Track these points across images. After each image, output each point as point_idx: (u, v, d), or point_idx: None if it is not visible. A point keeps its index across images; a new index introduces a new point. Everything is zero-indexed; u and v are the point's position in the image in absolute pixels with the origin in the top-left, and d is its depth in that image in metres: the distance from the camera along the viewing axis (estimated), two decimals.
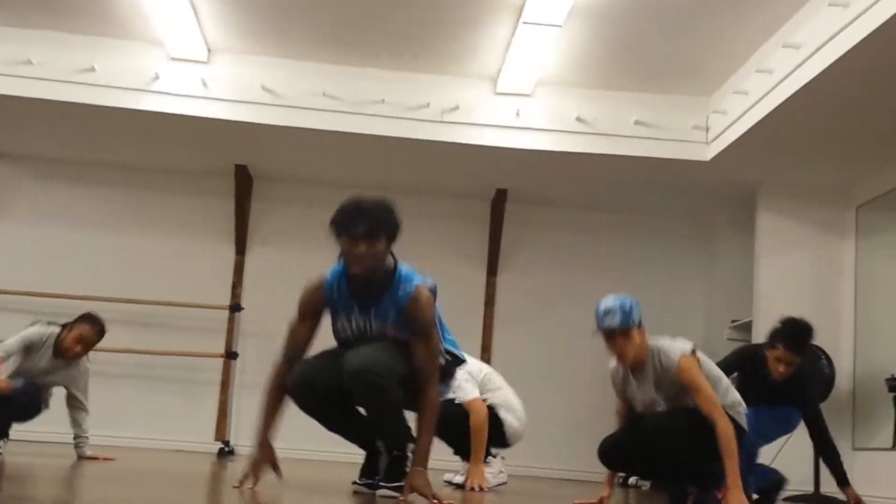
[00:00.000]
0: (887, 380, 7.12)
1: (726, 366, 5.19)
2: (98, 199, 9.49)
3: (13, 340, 5.72)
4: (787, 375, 5.28)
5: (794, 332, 5.32)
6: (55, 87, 7.68)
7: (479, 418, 5.33)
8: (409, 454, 3.56)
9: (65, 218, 9.43)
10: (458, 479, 5.41)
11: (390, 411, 3.56)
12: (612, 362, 4.32)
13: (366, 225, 3.43)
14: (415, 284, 3.58)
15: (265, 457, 3.64)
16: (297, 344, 3.69)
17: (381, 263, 3.53)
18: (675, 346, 4.19)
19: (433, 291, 3.66)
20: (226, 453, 8.48)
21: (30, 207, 9.46)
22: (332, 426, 3.77)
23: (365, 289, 3.58)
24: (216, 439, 8.84)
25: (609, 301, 4.17)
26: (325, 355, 3.67)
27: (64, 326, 5.88)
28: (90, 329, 5.87)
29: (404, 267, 3.63)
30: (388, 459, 3.62)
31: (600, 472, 4.50)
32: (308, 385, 3.57)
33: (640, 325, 4.18)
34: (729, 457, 3.96)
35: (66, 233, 9.39)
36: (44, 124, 8.43)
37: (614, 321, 4.12)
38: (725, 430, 3.99)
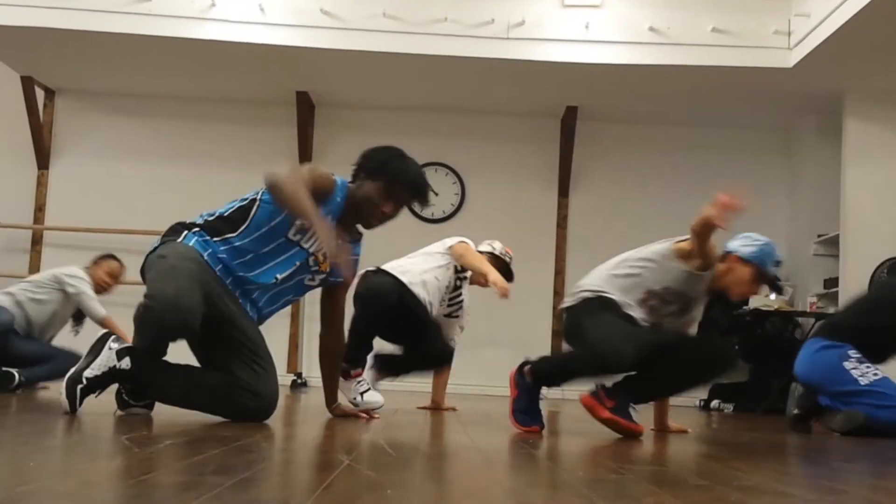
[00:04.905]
0: None
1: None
2: (157, 131, 9.41)
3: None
4: None
5: None
6: (111, 19, 7.56)
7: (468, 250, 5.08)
8: None
9: (123, 152, 9.37)
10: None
11: None
12: (701, 280, 3.92)
13: (425, 202, 3.80)
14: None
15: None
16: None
17: None
18: None
19: None
20: (298, 385, 8.43)
21: (88, 143, 9.41)
22: None
23: (351, 223, 3.79)
24: (288, 371, 8.80)
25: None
26: None
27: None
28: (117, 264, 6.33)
29: None
30: None
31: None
32: None
33: None
34: None
35: (125, 167, 9.33)
36: (100, 58, 8.32)
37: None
38: None
